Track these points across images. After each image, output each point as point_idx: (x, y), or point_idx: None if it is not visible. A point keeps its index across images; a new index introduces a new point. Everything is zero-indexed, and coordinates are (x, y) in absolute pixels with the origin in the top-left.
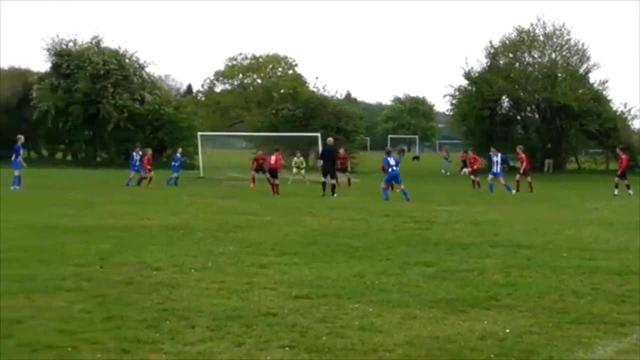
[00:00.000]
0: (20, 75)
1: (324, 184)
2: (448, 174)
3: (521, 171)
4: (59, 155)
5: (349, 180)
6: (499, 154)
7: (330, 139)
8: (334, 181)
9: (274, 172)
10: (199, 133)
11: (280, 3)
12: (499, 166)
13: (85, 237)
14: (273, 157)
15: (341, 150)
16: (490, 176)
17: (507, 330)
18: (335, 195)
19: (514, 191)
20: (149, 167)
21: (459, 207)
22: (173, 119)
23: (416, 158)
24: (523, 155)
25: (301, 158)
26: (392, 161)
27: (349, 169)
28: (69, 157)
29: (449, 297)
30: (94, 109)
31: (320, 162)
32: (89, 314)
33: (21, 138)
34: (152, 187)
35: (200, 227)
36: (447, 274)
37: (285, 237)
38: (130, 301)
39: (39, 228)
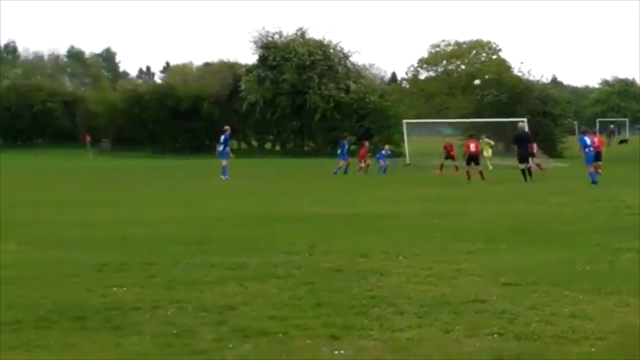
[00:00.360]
0: (229, 68)
1: (523, 172)
2: None
3: None
4: (267, 146)
5: (538, 165)
6: None
7: (521, 124)
8: (524, 165)
9: (474, 158)
10: (404, 121)
11: None
12: None
13: (295, 225)
14: (472, 145)
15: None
16: None
17: None
18: (532, 179)
19: None
20: (365, 158)
21: None
22: (378, 107)
23: (624, 141)
24: None
25: (487, 140)
26: (588, 141)
27: (536, 153)
28: (277, 147)
29: None
30: (300, 100)
31: (516, 149)
32: (299, 301)
33: (228, 129)
34: (360, 176)
35: (407, 215)
36: None
37: (492, 223)
38: (339, 288)
39: (250, 217)
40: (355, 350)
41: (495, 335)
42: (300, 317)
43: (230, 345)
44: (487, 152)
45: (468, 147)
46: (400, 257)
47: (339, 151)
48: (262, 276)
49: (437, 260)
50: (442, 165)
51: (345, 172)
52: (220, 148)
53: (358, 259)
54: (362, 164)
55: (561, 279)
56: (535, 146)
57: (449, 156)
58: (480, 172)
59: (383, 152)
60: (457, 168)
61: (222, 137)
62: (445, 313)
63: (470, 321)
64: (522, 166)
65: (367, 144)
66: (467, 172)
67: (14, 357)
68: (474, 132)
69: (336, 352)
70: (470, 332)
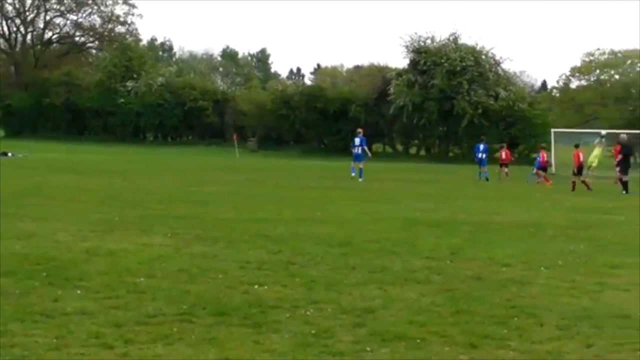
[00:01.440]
0: (379, 72)
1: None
2: None
3: None
4: (412, 150)
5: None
6: None
7: (623, 135)
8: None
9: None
10: (553, 130)
11: None
12: None
13: (437, 231)
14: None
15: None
16: None
17: None
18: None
19: None
20: (506, 162)
21: None
22: (527, 115)
23: None
24: None
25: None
26: None
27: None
28: (422, 152)
29: None
30: (448, 105)
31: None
32: (438, 307)
33: (361, 131)
34: (504, 183)
35: (551, 225)
36: None
37: (639, 236)
38: (479, 296)
39: (393, 220)
40: (493, 359)
41: (639, 352)
42: (439, 324)
43: (368, 349)
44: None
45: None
46: (542, 268)
47: (481, 156)
48: (402, 280)
49: (581, 273)
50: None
51: (486, 179)
52: (359, 150)
53: (499, 267)
54: (505, 169)
55: None
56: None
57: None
58: (574, 183)
59: (539, 158)
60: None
61: (358, 139)
62: (587, 327)
63: (613, 336)
64: (626, 178)
65: (504, 147)
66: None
67: (155, 350)
68: (578, 143)
69: None
70: (612, 348)
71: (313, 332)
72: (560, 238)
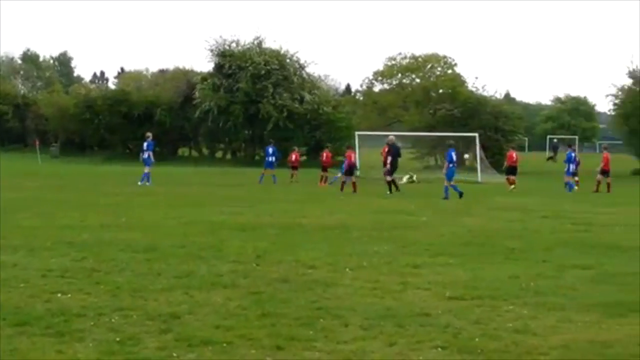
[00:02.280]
0: (184, 75)
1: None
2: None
3: None
4: (218, 154)
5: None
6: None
7: (391, 137)
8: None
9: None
10: (357, 132)
11: (441, 3)
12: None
13: (243, 234)
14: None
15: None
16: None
17: None
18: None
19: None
20: (295, 164)
21: (619, 209)
22: (331, 119)
23: (551, 159)
24: None
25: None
26: (454, 157)
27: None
28: (228, 156)
29: (607, 300)
30: (254, 109)
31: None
32: (245, 311)
33: (150, 135)
34: (309, 186)
35: (356, 226)
36: (606, 277)
37: (440, 237)
38: (285, 299)
39: (199, 225)
40: None
41: (439, 349)
42: (246, 327)
43: (174, 354)
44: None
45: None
46: (347, 269)
47: (271, 159)
48: (208, 285)
49: (384, 273)
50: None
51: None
52: (145, 155)
53: (305, 269)
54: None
55: (506, 294)
56: None
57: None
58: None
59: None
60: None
61: (145, 144)
62: (390, 326)
63: (415, 334)
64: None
65: (296, 149)
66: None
67: None
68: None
69: None
70: (414, 346)
71: (118, 339)
72: (364, 239)
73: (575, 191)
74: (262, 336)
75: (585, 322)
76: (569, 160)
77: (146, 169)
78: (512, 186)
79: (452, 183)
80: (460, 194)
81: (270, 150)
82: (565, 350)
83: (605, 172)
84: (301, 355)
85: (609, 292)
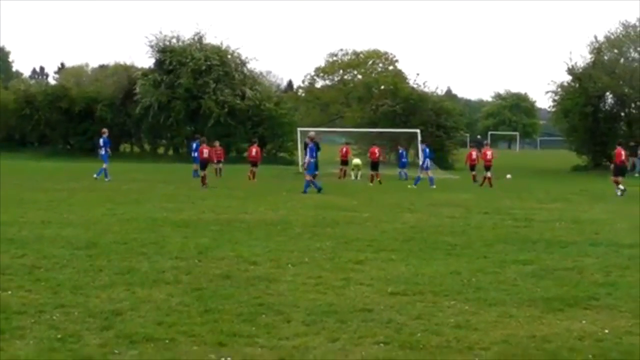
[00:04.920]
0: (125, 71)
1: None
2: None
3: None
4: (160, 150)
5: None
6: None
7: (311, 133)
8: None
9: (376, 165)
10: (299, 128)
11: None
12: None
13: (185, 231)
14: (377, 150)
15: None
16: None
17: (606, 331)
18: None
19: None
20: (220, 158)
21: (560, 205)
22: (273, 115)
23: None
24: (620, 150)
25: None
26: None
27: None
28: (170, 152)
29: (547, 296)
30: (195, 105)
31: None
32: (187, 307)
33: (106, 131)
34: (245, 181)
35: (298, 223)
36: (546, 272)
37: (382, 233)
38: (227, 295)
39: (141, 221)
40: (241, 357)
41: (381, 345)
42: (188, 324)
43: (116, 351)
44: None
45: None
46: (290, 265)
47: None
48: (150, 282)
49: (326, 269)
50: (343, 171)
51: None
52: (102, 151)
53: (247, 265)
54: (219, 165)
55: (448, 289)
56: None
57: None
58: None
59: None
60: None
61: (101, 140)
62: (332, 321)
63: (357, 330)
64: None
65: (217, 144)
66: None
67: None
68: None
69: (223, 359)
70: (356, 341)
71: (59, 336)
72: (307, 235)
73: (414, 187)
74: (205, 332)
75: (526, 317)
76: (425, 155)
77: (104, 165)
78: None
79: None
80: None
81: (194, 145)
82: (506, 345)
83: (488, 168)
84: (243, 351)
85: (549, 287)
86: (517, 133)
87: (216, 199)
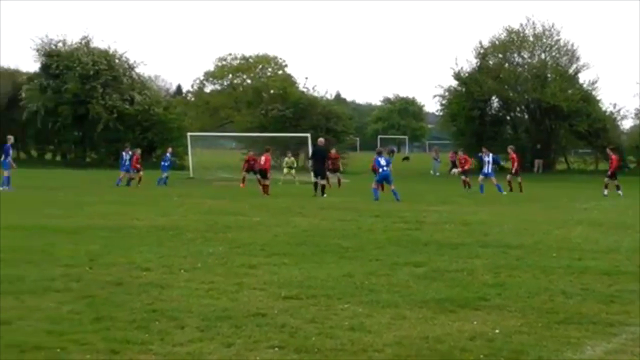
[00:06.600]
0: (9, 76)
1: (315, 185)
2: (437, 174)
3: (512, 171)
4: (48, 156)
5: (339, 180)
6: (490, 154)
7: (321, 140)
8: (324, 182)
9: (264, 173)
10: (189, 133)
11: (270, 3)
12: (490, 166)
13: (74, 237)
14: (263, 158)
15: (333, 151)
16: (481, 176)
17: (497, 331)
18: (325, 195)
19: (505, 192)
20: (138, 167)
21: (449, 208)
22: (163, 120)
23: (406, 159)
24: (514, 155)
25: (292, 158)
26: (382, 161)
27: (341, 169)
28: (58, 158)
29: (439, 297)
30: (83, 110)
31: (311, 163)
32: (78, 315)
33: (11, 139)
34: (142, 188)
35: (189, 228)
36: (437, 274)
37: (274, 237)
38: (119, 302)
39: (28, 229)
40: None
41: (276, 349)
42: (79, 332)
43: None
44: (289, 169)
45: (259, 161)
46: (182, 271)
47: (121, 162)
48: (39, 290)
49: (219, 274)
50: (244, 178)
51: (127, 184)
52: (2, 158)
53: (139, 272)
54: (134, 175)
55: (341, 292)
56: (339, 162)
57: (464, 171)
58: (266, 186)
59: (167, 155)
60: (243, 180)
61: (4, 147)
62: (227, 327)
63: (251, 335)
64: (317, 180)
65: (138, 152)
66: (263, 186)
67: None
68: (269, 147)
69: None
70: (251, 346)
71: None
72: (199, 240)
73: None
74: (97, 340)
75: (419, 319)
76: (490, 161)
77: (5, 173)
78: None
79: (374, 186)
80: (377, 198)
81: (124, 155)
82: (399, 346)
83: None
84: (137, 359)
85: (441, 288)
86: (406, 137)
87: (106, 205)
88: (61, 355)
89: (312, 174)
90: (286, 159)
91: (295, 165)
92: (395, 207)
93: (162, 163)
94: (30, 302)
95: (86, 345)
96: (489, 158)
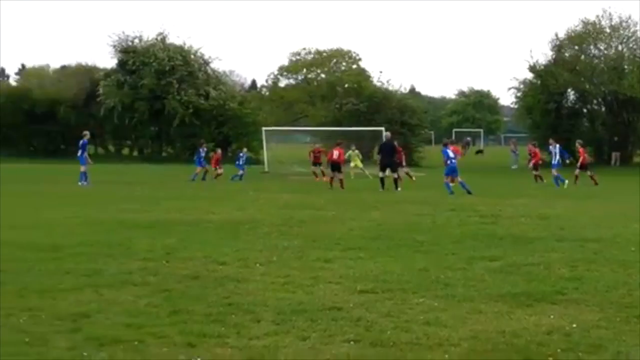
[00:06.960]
0: (86, 72)
1: (382, 180)
2: (515, 167)
3: (578, 165)
4: (125, 151)
5: (407, 174)
6: (557, 145)
7: (387, 134)
8: (395, 175)
9: (337, 167)
10: (264, 128)
11: None
12: (556, 157)
13: (151, 231)
14: (336, 152)
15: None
16: (553, 170)
17: (574, 325)
18: (399, 189)
19: (566, 181)
20: (218, 167)
21: (525, 201)
22: (238, 114)
23: (480, 152)
24: (581, 150)
25: (357, 151)
26: (450, 153)
27: (404, 163)
28: (135, 153)
29: (515, 291)
30: (159, 105)
31: (379, 158)
32: (156, 308)
33: (87, 134)
34: (218, 182)
35: (265, 222)
36: (513, 268)
37: (350, 231)
38: (196, 295)
39: (106, 223)
40: (211, 358)
41: (352, 343)
42: (157, 325)
43: (85, 354)
44: (356, 162)
45: (332, 154)
46: (258, 265)
47: (195, 158)
48: (117, 283)
49: (295, 268)
50: (315, 172)
51: (203, 179)
52: (79, 153)
53: (215, 266)
54: (219, 171)
55: (416, 286)
56: (402, 156)
57: (535, 164)
58: (341, 181)
59: (241, 154)
60: (316, 174)
61: (81, 142)
62: (302, 320)
63: (327, 329)
64: (384, 174)
65: (219, 151)
66: (331, 179)
67: None
68: (341, 141)
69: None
70: (326, 340)
71: (27, 340)
72: (274, 234)
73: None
74: (174, 333)
75: (495, 313)
76: (558, 154)
77: (82, 168)
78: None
79: (446, 180)
80: (451, 192)
81: (202, 151)
82: (475, 340)
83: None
84: (213, 352)
85: (516, 282)
86: (481, 130)
87: (183, 200)
88: (139, 348)
89: (379, 168)
90: (350, 152)
91: (360, 158)
92: (471, 200)
93: (237, 162)
94: (108, 296)
95: (163, 338)
96: (555, 149)
